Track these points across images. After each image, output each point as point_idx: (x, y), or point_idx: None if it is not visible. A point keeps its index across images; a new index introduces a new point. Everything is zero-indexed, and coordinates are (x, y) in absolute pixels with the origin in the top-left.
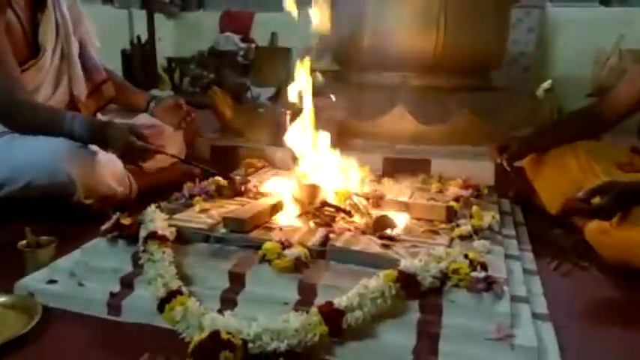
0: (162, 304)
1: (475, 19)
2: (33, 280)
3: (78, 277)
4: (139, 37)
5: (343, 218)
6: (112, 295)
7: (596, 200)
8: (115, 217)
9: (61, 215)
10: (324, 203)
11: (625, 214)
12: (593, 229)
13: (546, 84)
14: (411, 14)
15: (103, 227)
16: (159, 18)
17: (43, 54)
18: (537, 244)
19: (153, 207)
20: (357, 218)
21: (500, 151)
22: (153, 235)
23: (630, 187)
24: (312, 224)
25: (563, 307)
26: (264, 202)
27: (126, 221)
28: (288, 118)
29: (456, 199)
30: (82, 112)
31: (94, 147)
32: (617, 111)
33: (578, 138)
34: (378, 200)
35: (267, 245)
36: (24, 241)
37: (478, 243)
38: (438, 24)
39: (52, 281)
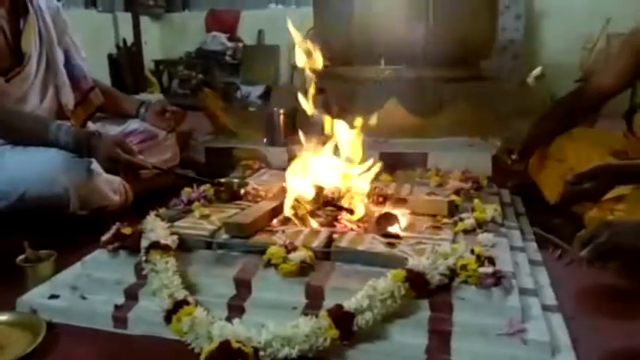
0: (169, 315)
1: (463, 8)
2: (35, 296)
3: (80, 291)
4: (124, 41)
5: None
6: (117, 307)
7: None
8: (115, 227)
9: (57, 226)
10: (326, 203)
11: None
12: (593, 217)
13: (537, 71)
14: (399, 6)
15: (104, 238)
16: (144, 20)
17: (27, 62)
18: (540, 235)
19: (152, 215)
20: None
21: (509, 153)
22: (155, 245)
23: (618, 167)
24: (314, 225)
25: (571, 297)
26: (265, 206)
27: (126, 231)
28: (281, 117)
29: (457, 193)
30: (71, 120)
31: None
32: (603, 90)
33: (572, 124)
34: (378, 197)
35: (272, 249)
36: (22, 256)
37: (482, 236)
38: (427, 14)
39: (54, 296)
